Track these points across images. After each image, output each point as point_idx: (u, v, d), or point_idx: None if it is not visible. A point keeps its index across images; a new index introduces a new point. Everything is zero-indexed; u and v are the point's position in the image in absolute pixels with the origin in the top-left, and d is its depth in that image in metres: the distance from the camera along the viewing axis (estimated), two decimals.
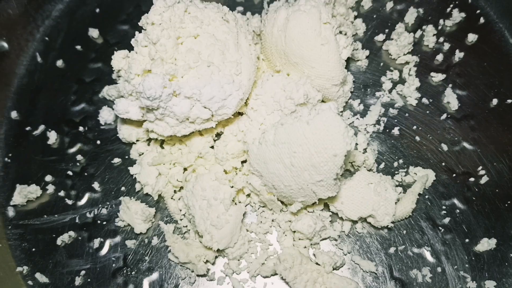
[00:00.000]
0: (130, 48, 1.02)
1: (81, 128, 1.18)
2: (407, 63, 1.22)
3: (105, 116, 1.18)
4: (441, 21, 1.26)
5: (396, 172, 1.11)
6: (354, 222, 1.05)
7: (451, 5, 1.28)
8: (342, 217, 1.03)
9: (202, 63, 0.96)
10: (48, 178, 1.13)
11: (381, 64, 1.23)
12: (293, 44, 1.03)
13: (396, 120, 1.16)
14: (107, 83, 1.22)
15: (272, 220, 1.05)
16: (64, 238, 1.06)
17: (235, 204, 1.03)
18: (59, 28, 1.31)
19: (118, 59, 1.04)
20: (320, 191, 0.94)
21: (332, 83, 1.05)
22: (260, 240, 1.04)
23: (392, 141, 1.14)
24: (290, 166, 0.91)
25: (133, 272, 1.04)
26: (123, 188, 1.12)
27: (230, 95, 0.98)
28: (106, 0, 1.34)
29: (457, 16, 1.26)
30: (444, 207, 1.08)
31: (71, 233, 1.07)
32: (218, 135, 1.10)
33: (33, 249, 1.07)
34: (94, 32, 1.28)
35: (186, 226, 1.06)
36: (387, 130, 1.15)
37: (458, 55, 1.22)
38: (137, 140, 1.13)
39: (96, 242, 1.06)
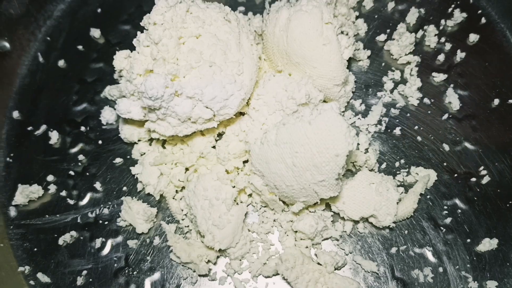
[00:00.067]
0: (132, 48, 1.02)
1: (82, 128, 1.18)
2: (408, 63, 1.22)
3: (107, 116, 1.18)
4: (442, 21, 1.26)
5: (398, 172, 1.11)
6: (356, 222, 1.05)
7: (453, 5, 1.28)
8: (344, 217, 1.03)
9: (204, 63, 0.97)
10: (50, 178, 1.13)
11: (383, 64, 1.23)
12: (295, 44, 1.03)
13: (397, 120, 1.16)
14: (109, 83, 1.22)
15: (274, 220, 1.05)
16: (66, 238, 1.07)
17: (237, 204, 1.03)
18: (61, 28, 1.31)
19: (120, 59, 1.05)
20: (322, 191, 0.94)
21: (333, 83, 1.05)
22: (261, 240, 1.04)
23: (394, 141, 1.14)
24: (292, 166, 0.91)
25: (134, 272, 1.04)
26: (124, 188, 1.12)
27: (232, 95, 0.98)
28: (108, 0, 1.34)
29: (459, 16, 1.26)
30: (445, 207, 1.08)
31: (73, 233, 1.07)
32: (220, 135, 1.10)
33: (35, 249, 1.07)
34: (95, 32, 1.28)
35: (188, 226, 1.06)
36: (389, 130, 1.15)
37: (460, 55, 1.22)
38: (139, 140, 1.13)
39: (98, 242, 1.06)
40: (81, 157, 1.15)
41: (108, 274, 1.04)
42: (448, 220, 1.06)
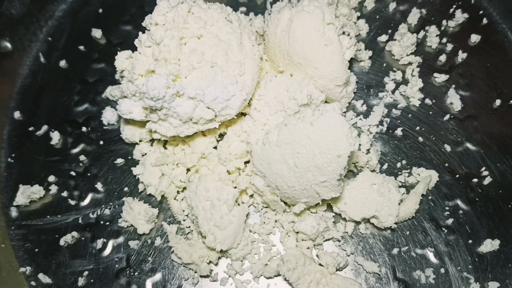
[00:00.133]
0: (133, 48, 1.02)
1: (84, 129, 1.18)
2: (410, 63, 1.22)
3: (108, 116, 1.18)
4: (444, 22, 1.26)
5: (399, 173, 1.11)
6: (357, 223, 1.05)
7: (454, 6, 1.28)
8: (345, 218, 1.03)
9: (206, 63, 0.97)
10: (51, 178, 1.13)
11: (384, 64, 1.23)
12: (297, 45, 1.02)
13: (399, 121, 1.16)
14: (110, 83, 1.22)
15: (275, 221, 1.05)
16: (67, 239, 1.06)
17: (238, 204, 1.03)
18: (62, 28, 1.31)
19: (122, 59, 1.05)
20: (323, 191, 0.93)
21: (335, 83, 1.05)
22: (263, 241, 1.04)
23: (395, 142, 1.14)
24: (294, 167, 0.91)
25: (136, 273, 1.04)
26: (126, 189, 1.12)
27: (233, 95, 0.98)
28: (109, 0, 1.34)
29: (460, 16, 1.26)
30: (447, 208, 1.08)
31: (74, 233, 1.07)
32: (221, 135, 1.10)
33: (36, 250, 1.07)
34: (97, 33, 1.28)
35: (189, 227, 1.06)
36: (390, 131, 1.15)
37: (461, 55, 1.22)
38: (140, 141, 1.13)
39: (99, 243, 1.06)
40: (82, 157, 1.15)
41: (109, 274, 1.04)
42: (450, 221, 1.06)
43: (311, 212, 1.04)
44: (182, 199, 1.08)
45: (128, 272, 1.04)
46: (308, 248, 1.02)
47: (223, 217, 0.97)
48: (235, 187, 1.02)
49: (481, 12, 1.28)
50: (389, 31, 1.26)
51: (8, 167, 1.15)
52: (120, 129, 1.14)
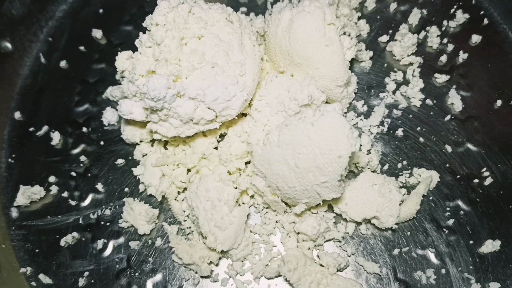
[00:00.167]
0: (134, 48, 1.02)
1: (84, 129, 1.18)
2: (411, 64, 1.22)
3: (109, 117, 1.17)
4: (445, 22, 1.26)
5: (400, 174, 1.11)
6: (358, 223, 1.05)
7: (455, 6, 1.28)
8: (346, 218, 1.03)
9: (206, 64, 0.96)
10: (52, 179, 1.13)
11: (385, 65, 1.23)
12: (297, 45, 1.02)
13: (400, 121, 1.16)
14: (111, 84, 1.22)
15: (276, 222, 1.05)
16: (68, 239, 1.06)
17: (239, 205, 1.03)
18: (63, 28, 1.31)
19: (122, 60, 1.04)
20: (324, 192, 0.93)
21: (336, 84, 1.05)
22: (264, 241, 1.04)
23: (396, 142, 1.14)
24: (294, 167, 0.91)
25: (136, 273, 1.04)
26: (126, 189, 1.12)
27: (234, 96, 0.97)
28: (110, 0, 1.34)
29: (461, 17, 1.26)
30: (448, 209, 1.07)
31: (75, 234, 1.07)
32: (222, 136, 1.10)
33: (37, 250, 1.07)
34: (97, 33, 1.28)
35: (190, 227, 1.06)
36: (391, 131, 1.15)
37: (462, 56, 1.22)
38: (141, 141, 1.13)
39: (100, 243, 1.06)
40: (83, 158, 1.15)
41: (110, 275, 1.04)
42: (451, 222, 1.06)
43: (312, 213, 1.04)
44: (182, 200, 1.08)
45: (128, 272, 1.04)
46: (309, 248, 1.02)
47: (224, 217, 0.97)
48: (236, 188, 1.02)
49: (482, 12, 1.27)
50: (390, 31, 1.25)
51: (9, 168, 1.15)
52: (120, 129, 1.14)
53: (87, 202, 1.11)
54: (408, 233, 1.05)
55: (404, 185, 1.10)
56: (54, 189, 1.12)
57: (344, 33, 1.15)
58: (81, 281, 1.03)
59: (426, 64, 1.21)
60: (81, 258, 1.06)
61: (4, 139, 1.18)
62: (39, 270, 1.05)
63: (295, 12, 1.04)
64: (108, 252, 1.06)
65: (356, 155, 1.06)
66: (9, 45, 1.25)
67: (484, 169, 1.10)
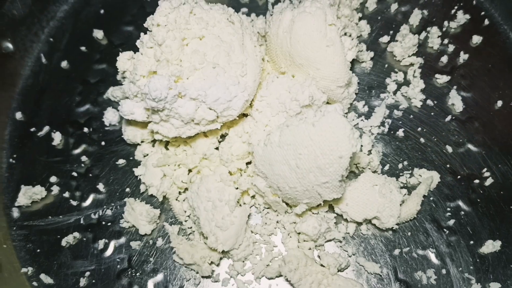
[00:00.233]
0: (135, 49, 1.02)
1: (85, 129, 1.18)
2: (411, 64, 1.22)
3: (110, 117, 1.18)
4: (445, 23, 1.26)
5: (401, 174, 1.11)
6: (359, 223, 1.05)
7: (456, 7, 1.28)
8: (347, 218, 1.03)
9: (208, 64, 0.97)
10: (53, 179, 1.13)
11: (386, 65, 1.23)
12: (298, 46, 1.03)
13: (400, 122, 1.16)
14: (112, 84, 1.22)
15: (277, 222, 1.05)
16: (69, 239, 1.07)
17: (240, 205, 1.03)
18: (64, 29, 1.31)
19: (123, 60, 1.05)
20: (325, 192, 0.94)
21: (337, 84, 1.05)
22: (264, 241, 1.04)
23: (397, 143, 1.14)
24: (295, 168, 0.91)
25: (137, 274, 1.04)
26: (127, 189, 1.12)
27: (235, 96, 0.98)
28: (111, 1, 1.34)
29: (462, 17, 1.26)
30: (448, 209, 1.08)
31: (76, 234, 1.07)
32: (223, 136, 1.10)
33: (38, 250, 1.07)
34: (98, 33, 1.29)
35: (191, 228, 1.06)
36: (392, 132, 1.15)
37: (463, 56, 1.22)
38: (142, 141, 1.13)
39: (101, 243, 1.06)
40: (84, 158, 1.15)
41: (111, 275, 1.04)
42: (451, 222, 1.06)
43: (313, 213, 1.04)
44: (183, 200, 1.08)
45: (129, 272, 1.04)
46: (310, 249, 1.02)
47: (225, 218, 0.97)
48: (237, 188, 1.02)
49: (482, 13, 1.27)
50: (391, 32, 1.26)
51: (10, 168, 1.15)
52: (121, 130, 1.15)
53: (88, 202, 1.11)
54: (409, 234, 1.06)
55: (405, 185, 1.10)
56: (55, 189, 1.12)
57: (345, 34, 1.15)
58: (82, 281, 1.04)
59: (426, 64, 1.22)
60: (82, 258, 1.06)
61: (5, 139, 1.18)
62: (40, 270, 1.05)
63: (296, 13, 1.04)
64: (109, 252, 1.06)
65: (357, 156, 1.06)
66: (10, 46, 1.25)
67: (485, 169, 1.10)
